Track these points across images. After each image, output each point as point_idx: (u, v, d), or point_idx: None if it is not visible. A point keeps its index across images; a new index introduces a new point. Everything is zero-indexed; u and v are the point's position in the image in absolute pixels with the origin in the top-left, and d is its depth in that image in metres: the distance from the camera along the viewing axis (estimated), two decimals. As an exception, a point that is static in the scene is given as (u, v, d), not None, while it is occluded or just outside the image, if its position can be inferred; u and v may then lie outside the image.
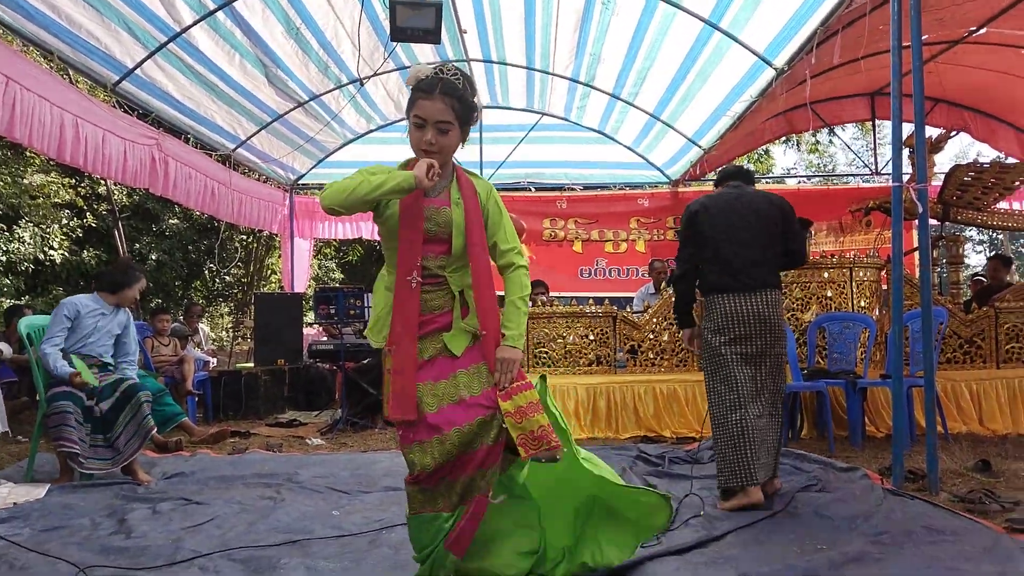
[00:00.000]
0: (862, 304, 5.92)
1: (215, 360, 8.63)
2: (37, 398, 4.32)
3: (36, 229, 12.24)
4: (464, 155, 8.86)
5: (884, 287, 6.18)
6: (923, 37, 3.89)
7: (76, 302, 4.40)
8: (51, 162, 11.77)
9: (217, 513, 3.39)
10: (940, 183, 7.08)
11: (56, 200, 12.47)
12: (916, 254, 5.63)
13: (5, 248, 11.75)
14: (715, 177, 4.69)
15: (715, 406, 3.58)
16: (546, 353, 6.37)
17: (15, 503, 3.58)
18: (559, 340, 6.36)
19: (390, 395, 2.19)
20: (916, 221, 4.03)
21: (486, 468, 2.22)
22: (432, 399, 2.22)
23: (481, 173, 10.01)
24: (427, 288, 2.28)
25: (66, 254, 12.76)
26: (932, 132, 6.85)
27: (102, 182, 11.89)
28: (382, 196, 2.17)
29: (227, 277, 16.49)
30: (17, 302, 8.98)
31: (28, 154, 11.70)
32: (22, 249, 11.94)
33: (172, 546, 2.87)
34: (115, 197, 12.32)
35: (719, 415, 3.55)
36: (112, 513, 3.44)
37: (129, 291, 4.57)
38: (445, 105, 2.19)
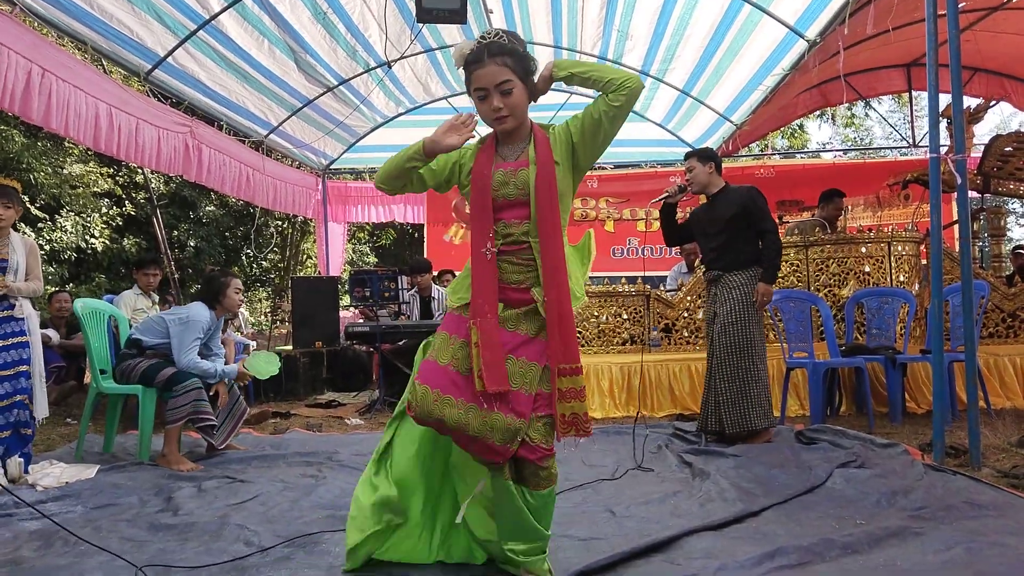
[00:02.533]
0: (901, 279, 5.82)
1: (255, 344, 8.76)
2: (85, 382, 4.46)
3: (77, 218, 12.52)
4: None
5: (924, 261, 6.08)
6: (959, 4, 3.79)
7: (202, 321, 4.46)
8: (89, 152, 12.01)
9: (261, 491, 3.47)
10: (980, 155, 6.92)
11: (95, 189, 12.73)
12: (956, 227, 5.52)
13: (48, 237, 12.04)
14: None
15: (761, 359, 4.29)
16: (580, 333, 6.37)
17: (67, 482, 3.70)
18: (592, 320, 6.36)
19: (481, 368, 2.11)
20: (955, 193, 3.95)
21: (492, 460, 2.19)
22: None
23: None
24: (508, 258, 2.22)
25: (107, 242, 13.03)
26: (971, 102, 6.68)
27: (139, 171, 12.09)
28: (405, 166, 2.18)
29: (264, 263, 16.72)
30: (61, 289, 9.22)
31: (67, 144, 11.94)
32: (64, 238, 12.23)
33: (218, 522, 2.94)
34: (152, 185, 12.54)
35: (763, 367, 4.28)
36: (159, 491, 3.54)
37: (225, 299, 4.57)
38: (498, 65, 2.11)
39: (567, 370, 2.15)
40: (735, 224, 4.35)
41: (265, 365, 4.66)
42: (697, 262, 7.43)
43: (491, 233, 2.18)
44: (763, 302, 4.30)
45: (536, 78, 2.23)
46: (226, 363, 6.50)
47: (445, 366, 2.20)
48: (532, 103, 2.25)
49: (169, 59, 6.39)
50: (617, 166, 10.49)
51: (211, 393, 4.52)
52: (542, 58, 8.39)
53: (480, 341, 2.13)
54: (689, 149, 9.59)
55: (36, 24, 5.36)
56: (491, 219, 2.19)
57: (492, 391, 2.09)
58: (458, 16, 5.22)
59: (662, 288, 6.87)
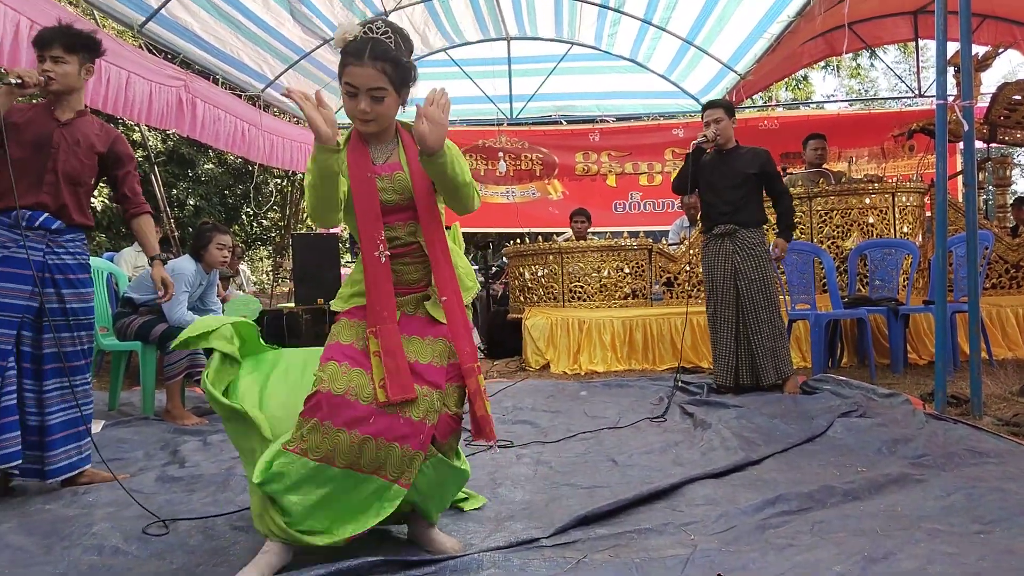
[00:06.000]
0: (905, 230, 5.79)
1: (259, 302, 8.79)
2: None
3: (74, 177, 12.40)
4: (493, 89, 8.76)
5: (928, 213, 6.04)
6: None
7: (187, 274, 4.43)
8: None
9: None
10: (986, 105, 6.81)
11: (92, 147, 12.60)
12: (960, 178, 5.46)
13: (46, 197, 11.95)
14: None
15: (780, 311, 4.47)
16: (581, 287, 6.36)
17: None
18: (594, 274, 6.35)
19: (384, 378, 1.99)
20: (961, 144, 3.90)
21: (408, 446, 2.00)
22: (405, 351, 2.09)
23: (511, 107, 9.97)
24: (401, 260, 2.14)
25: (106, 201, 12.95)
26: (978, 50, 6.56)
27: (136, 128, 11.97)
28: (323, 175, 1.96)
29: (264, 221, 16.65)
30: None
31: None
32: (62, 197, 12.13)
33: (224, 474, 2.97)
34: (150, 143, 12.42)
35: (783, 319, 4.50)
36: (165, 446, 3.57)
37: (207, 253, 4.53)
38: (376, 71, 1.97)
39: (476, 369, 2.10)
40: (752, 183, 4.48)
41: (244, 307, 4.63)
42: (699, 215, 7.39)
43: (381, 236, 2.08)
44: (780, 256, 4.53)
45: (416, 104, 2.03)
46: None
47: (350, 344, 2.08)
48: (402, 111, 2.15)
49: (163, 11, 6.27)
50: (619, 118, 10.36)
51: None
52: (544, 7, 8.23)
53: (382, 348, 2.03)
54: (693, 100, 9.54)
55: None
56: (380, 223, 2.08)
57: (396, 400, 1.97)
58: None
59: (664, 242, 6.84)
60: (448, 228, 2.28)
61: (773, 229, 4.68)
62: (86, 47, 2.88)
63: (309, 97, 1.93)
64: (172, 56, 6.87)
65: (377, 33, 2.01)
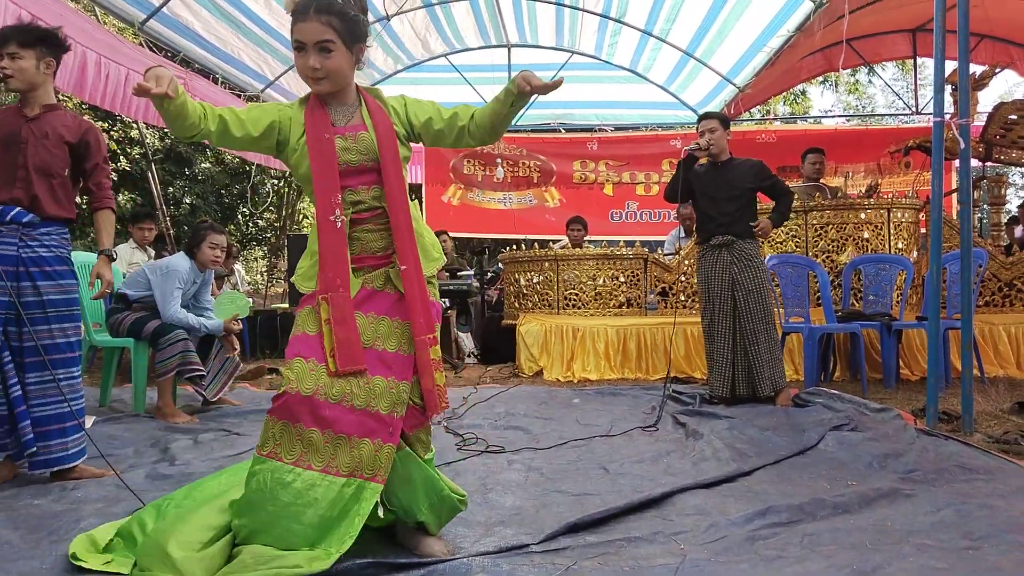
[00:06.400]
0: (899, 246, 5.81)
1: (251, 301, 8.78)
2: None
3: (71, 173, 12.37)
4: (492, 95, 8.80)
5: (923, 230, 6.06)
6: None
7: (181, 271, 4.40)
8: (84, 105, 11.84)
9: (256, 443, 3.48)
10: (983, 124, 6.86)
11: (90, 144, 12.58)
12: (955, 195, 5.48)
13: (42, 192, 11.91)
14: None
15: (774, 320, 4.52)
16: (576, 295, 6.37)
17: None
18: (589, 282, 6.35)
19: (335, 348, 1.97)
20: (957, 162, 3.93)
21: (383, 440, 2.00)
22: (370, 335, 2.05)
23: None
24: (364, 226, 2.09)
25: (102, 198, 12.91)
26: (976, 69, 6.61)
27: (134, 126, 11.96)
28: (171, 118, 1.93)
29: (260, 221, 16.61)
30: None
31: (60, 97, 11.77)
32: (58, 192, 12.09)
33: (215, 472, 2.95)
34: (147, 141, 12.41)
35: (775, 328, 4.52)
36: (155, 443, 3.55)
37: (200, 252, 4.51)
38: (322, 24, 1.96)
39: (430, 340, 2.06)
40: (748, 195, 4.54)
41: (231, 304, 4.63)
42: (695, 226, 7.41)
43: (338, 200, 2.02)
44: (762, 233, 4.53)
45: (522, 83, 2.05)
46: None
47: (317, 333, 2.03)
48: (359, 69, 2.14)
49: (164, 9, 6.27)
50: (617, 128, 10.39)
51: (220, 345, 4.56)
52: (545, 16, 8.26)
53: (332, 317, 1.99)
54: (692, 112, 9.58)
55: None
56: (337, 186, 2.03)
57: (344, 371, 1.97)
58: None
59: (660, 252, 6.86)
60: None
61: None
62: (42, 41, 2.90)
63: (144, 85, 1.86)
64: (172, 54, 6.87)
65: None
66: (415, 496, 2.09)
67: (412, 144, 2.22)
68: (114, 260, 3.18)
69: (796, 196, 5.98)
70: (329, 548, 1.89)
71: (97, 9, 6.02)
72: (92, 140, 3.00)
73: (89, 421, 3.92)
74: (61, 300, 2.88)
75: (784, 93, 15.09)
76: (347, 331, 1.99)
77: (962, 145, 3.66)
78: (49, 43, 2.91)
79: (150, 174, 8.61)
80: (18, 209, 2.83)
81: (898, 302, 5.47)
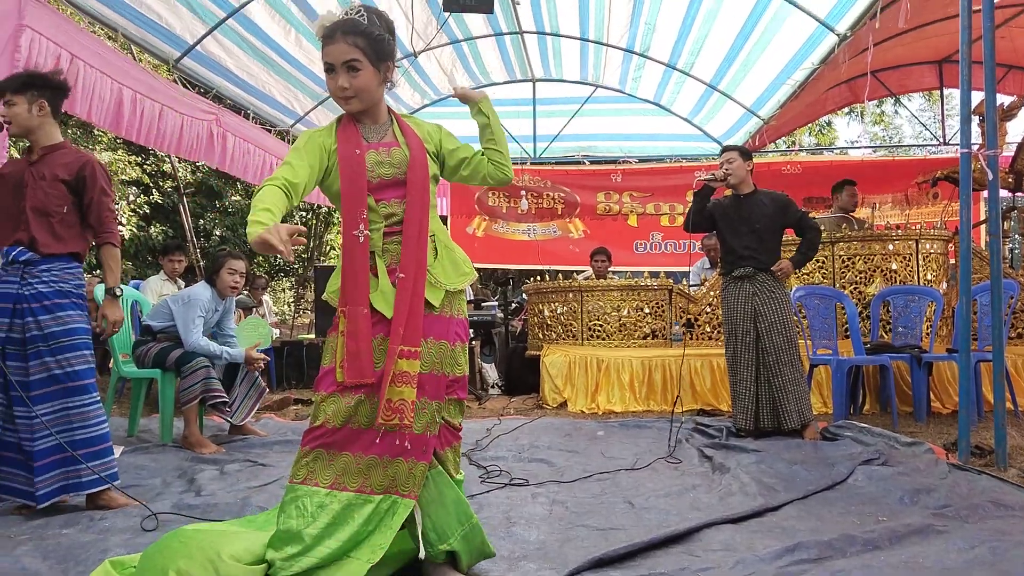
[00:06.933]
0: (928, 277, 5.74)
1: (278, 331, 8.86)
2: (110, 365, 4.52)
3: (105, 205, 12.63)
4: (518, 128, 8.83)
5: (952, 260, 5.98)
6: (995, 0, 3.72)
7: (202, 300, 4.47)
8: (118, 140, 12.15)
9: (282, 475, 3.50)
10: (1012, 154, 6.80)
11: (123, 177, 12.87)
12: (984, 227, 5.42)
13: (77, 224, 12.16)
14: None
15: (799, 352, 4.47)
16: (600, 326, 6.36)
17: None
18: (614, 313, 6.34)
19: (344, 359, 2.00)
20: (985, 193, 3.89)
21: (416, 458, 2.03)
22: (382, 355, 2.06)
23: (534, 147, 10.09)
24: (396, 238, 2.12)
25: (134, 230, 13.17)
26: (1003, 100, 6.57)
27: (167, 159, 12.24)
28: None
29: (287, 252, 16.82)
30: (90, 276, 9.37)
31: (96, 133, 12.08)
32: (92, 225, 12.35)
33: (240, 503, 2.97)
34: (179, 174, 12.67)
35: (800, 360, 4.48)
36: (182, 473, 3.58)
37: (218, 279, 4.58)
38: (348, 44, 2.04)
39: (407, 352, 2.04)
40: (771, 227, 4.53)
41: (255, 331, 4.69)
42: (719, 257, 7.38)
43: (363, 215, 2.06)
44: (781, 274, 4.51)
45: (460, 88, 2.31)
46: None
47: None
48: (389, 88, 2.20)
49: (198, 47, 6.45)
50: (641, 160, 10.42)
51: (246, 371, 4.62)
52: (570, 51, 8.36)
53: (347, 330, 2.02)
54: (715, 143, 9.59)
55: (71, 12, 5.44)
56: (363, 201, 2.07)
57: (351, 383, 1.99)
58: (485, 6, 5.23)
59: (684, 283, 6.83)
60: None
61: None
62: (32, 85, 3.02)
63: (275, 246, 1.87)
64: (205, 91, 7.04)
65: (351, 14, 2.07)
66: (447, 517, 2.11)
67: (437, 181, 2.28)
68: (119, 297, 3.21)
69: (824, 228, 5.97)
70: (360, 556, 1.93)
71: (133, 48, 6.19)
72: (88, 174, 3.07)
73: (117, 451, 3.96)
74: (61, 331, 2.96)
75: (809, 124, 15.06)
76: (358, 344, 2.02)
77: (990, 176, 3.63)
78: (39, 86, 3.04)
79: (181, 207, 8.78)
80: (20, 248, 2.96)
81: (928, 334, 5.39)
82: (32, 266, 2.96)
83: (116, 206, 12.69)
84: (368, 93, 2.12)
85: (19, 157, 3.20)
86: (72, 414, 2.94)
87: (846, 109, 13.98)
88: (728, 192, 4.64)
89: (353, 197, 2.08)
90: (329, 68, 2.09)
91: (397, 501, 2.00)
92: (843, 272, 5.85)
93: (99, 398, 3.09)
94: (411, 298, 2.07)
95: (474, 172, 2.28)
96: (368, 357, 2.02)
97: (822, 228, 5.96)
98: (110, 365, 6.34)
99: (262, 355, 4.66)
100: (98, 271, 12.40)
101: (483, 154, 2.28)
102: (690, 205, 4.74)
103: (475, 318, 7.27)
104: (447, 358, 2.15)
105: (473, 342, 6.79)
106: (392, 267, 2.11)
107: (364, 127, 2.19)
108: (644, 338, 6.30)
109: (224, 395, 4.37)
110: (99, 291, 4.60)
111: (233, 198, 15.20)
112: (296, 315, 13.18)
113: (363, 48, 2.06)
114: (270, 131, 8.14)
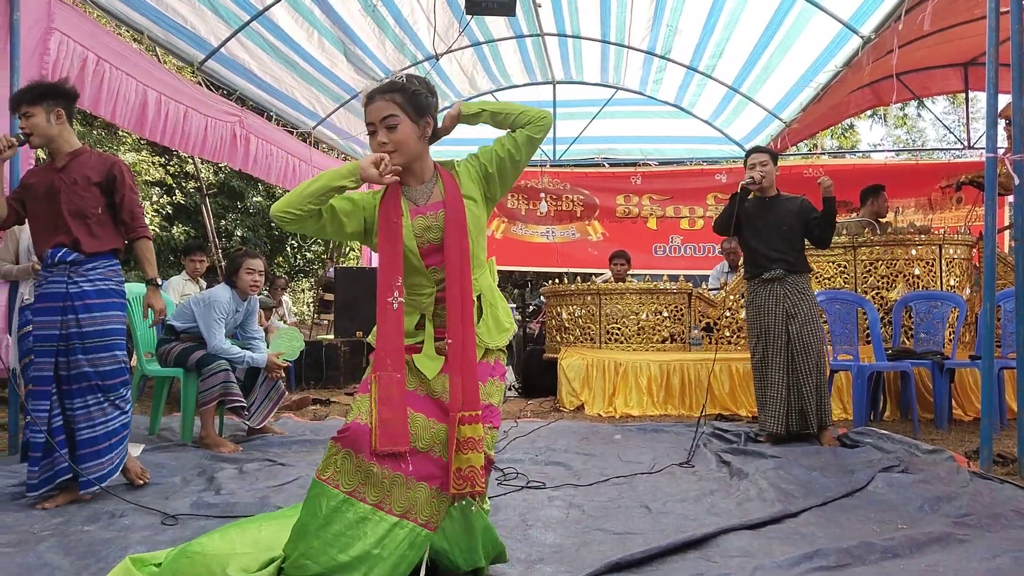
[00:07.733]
0: (951, 283, 5.67)
1: (301, 334, 8.91)
2: (132, 364, 4.57)
3: (129, 206, 12.79)
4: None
5: (976, 265, 5.91)
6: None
7: (222, 301, 4.51)
8: (142, 141, 12.29)
9: (300, 474, 3.53)
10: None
11: (147, 178, 13.01)
12: (1009, 232, 5.35)
13: (101, 224, 12.32)
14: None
15: (824, 354, 4.49)
16: (618, 329, 6.34)
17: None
18: (632, 317, 6.33)
19: (376, 425, 1.99)
20: (1010, 197, 3.84)
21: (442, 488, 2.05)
22: (439, 387, 2.13)
23: (554, 149, 10.08)
24: (443, 304, 2.13)
25: (156, 230, 13.31)
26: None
27: (190, 160, 12.37)
28: (324, 192, 2.04)
29: (308, 253, 16.95)
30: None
31: (120, 133, 12.23)
32: (116, 225, 12.51)
33: (259, 503, 3.00)
34: (202, 175, 12.80)
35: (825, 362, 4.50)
36: (202, 472, 3.62)
37: (238, 280, 4.61)
38: (386, 101, 2.09)
39: (467, 418, 2.04)
40: (796, 230, 4.50)
41: (289, 342, 4.75)
42: (740, 261, 7.33)
43: (398, 283, 2.09)
44: (825, 186, 4.42)
45: (443, 117, 2.21)
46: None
47: (412, 390, 2.11)
48: (434, 142, 2.19)
49: (222, 49, 6.51)
50: (661, 163, 10.38)
51: (266, 375, 4.65)
52: (590, 53, 8.36)
53: (379, 396, 2.02)
54: (737, 146, 9.54)
55: (97, 14, 5.52)
56: (398, 268, 2.09)
57: (383, 451, 1.97)
58: (507, 8, 5.24)
59: (704, 287, 6.80)
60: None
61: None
62: (46, 95, 3.15)
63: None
64: (229, 93, 7.10)
65: (394, 79, 2.13)
66: (476, 545, 2.11)
67: (494, 201, 2.28)
68: (159, 286, 3.39)
69: (846, 232, 5.91)
70: None
71: (158, 50, 6.27)
72: (117, 173, 3.21)
73: (138, 449, 4.01)
74: (95, 332, 3.11)
75: (832, 127, 14.94)
76: (391, 411, 2.03)
77: (1016, 181, 3.59)
78: (54, 95, 3.16)
79: (204, 207, 8.87)
80: (64, 250, 3.10)
81: (950, 340, 5.33)
82: (78, 265, 3.10)
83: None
84: (407, 146, 2.12)
85: (37, 167, 3.36)
86: (94, 410, 3.09)
87: (869, 112, 13.84)
88: (753, 195, 4.60)
89: (388, 264, 2.10)
90: (371, 129, 2.12)
91: (416, 531, 2.00)
92: (865, 277, 5.80)
93: (126, 396, 3.22)
94: (462, 364, 2.08)
95: (519, 148, 2.20)
96: (402, 424, 2.03)
97: (844, 233, 5.93)
98: (132, 364, 6.44)
99: (284, 363, 4.72)
100: (135, 270, 12.58)
101: (510, 132, 2.23)
102: (718, 208, 4.71)
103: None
104: (483, 391, 2.15)
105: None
106: (441, 330, 2.15)
107: (410, 189, 2.19)
108: (662, 342, 6.28)
109: (242, 399, 4.41)
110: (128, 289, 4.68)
111: (255, 199, 15.33)
112: (316, 316, 13.26)
113: (400, 104, 2.10)
114: (292, 133, 8.20)
